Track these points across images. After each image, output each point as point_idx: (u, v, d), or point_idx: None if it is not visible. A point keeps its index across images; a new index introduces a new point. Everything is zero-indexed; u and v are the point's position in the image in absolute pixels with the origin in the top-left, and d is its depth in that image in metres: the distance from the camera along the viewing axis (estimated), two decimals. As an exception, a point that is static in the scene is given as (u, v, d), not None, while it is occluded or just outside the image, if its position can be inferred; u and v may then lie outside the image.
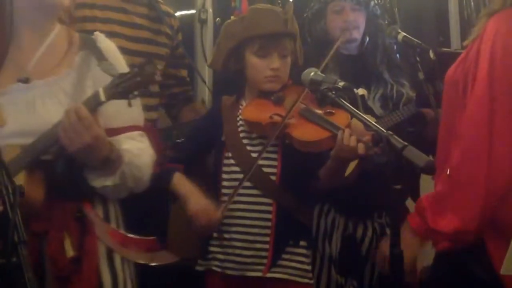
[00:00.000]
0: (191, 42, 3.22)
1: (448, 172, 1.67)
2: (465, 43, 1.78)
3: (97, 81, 1.71)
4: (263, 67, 2.18)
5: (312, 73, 1.99)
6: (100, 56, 1.73)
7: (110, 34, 2.39)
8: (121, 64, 1.79)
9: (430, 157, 1.58)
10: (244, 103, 2.26)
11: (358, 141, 1.95)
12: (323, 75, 1.98)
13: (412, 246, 1.75)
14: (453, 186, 1.66)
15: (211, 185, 2.22)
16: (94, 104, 1.60)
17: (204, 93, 3.10)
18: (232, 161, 2.18)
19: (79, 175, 1.68)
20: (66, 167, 1.65)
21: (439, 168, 1.72)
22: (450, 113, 1.77)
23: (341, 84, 1.88)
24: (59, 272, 1.62)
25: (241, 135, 2.20)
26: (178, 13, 2.95)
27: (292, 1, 3.05)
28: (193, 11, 3.30)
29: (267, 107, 2.17)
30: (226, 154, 2.20)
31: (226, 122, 2.25)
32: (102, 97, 1.59)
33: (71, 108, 1.59)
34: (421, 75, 2.31)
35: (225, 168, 2.20)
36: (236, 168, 2.17)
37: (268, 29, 2.16)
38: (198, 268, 2.22)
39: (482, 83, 1.63)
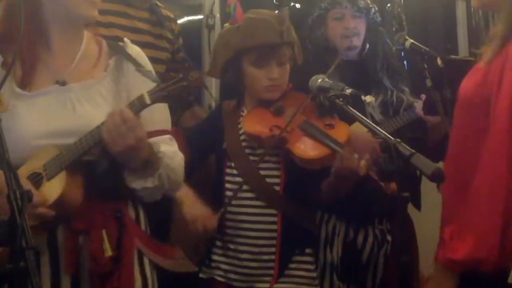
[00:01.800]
0: (199, 47, 3.23)
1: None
2: (483, 62, 1.69)
3: (131, 85, 1.77)
4: (262, 77, 2.16)
5: (319, 80, 1.99)
6: (134, 62, 1.77)
7: (112, 39, 2.41)
8: (152, 70, 1.82)
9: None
10: (244, 110, 2.25)
11: (359, 160, 1.95)
12: (331, 81, 1.98)
13: (440, 284, 1.67)
14: (471, 214, 1.62)
15: (214, 193, 2.22)
16: (139, 107, 1.63)
17: (211, 98, 3.10)
18: (235, 171, 2.17)
19: (119, 176, 1.72)
20: (107, 168, 1.69)
21: (447, 181, 1.70)
22: (467, 133, 1.70)
23: (348, 91, 1.88)
24: (101, 269, 1.66)
25: (243, 144, 2.19)
26: (185, 19, 2.96)
27: (299, 7, 3.07)
28: (200, 17, 3.30)
29: (267, 118, 2.16)
30: (229, 164, 2.19)
31: (228, 130, 2.24)
32: (148, 100, 1.62)
33: (115, 110, 1.62)
34: (428, 82, 2.30)
35: (228, 178, 2.19)
36: (239, 179, 2.16)
37: (264, 40, 2.14)
38: (202, 275, 2.22)
39: (504, 113, 1.57)
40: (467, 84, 1.73)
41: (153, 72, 1.75)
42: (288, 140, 2.08)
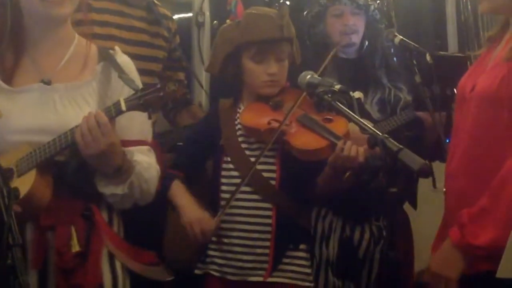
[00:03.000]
0: (189, 45, 3.22)
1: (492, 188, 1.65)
2: (502, 59, 1.70)
3: (115, 93, 1.77)
4: (260, 72, 2.17)
5: (308, 76, 2.00)
6: (120, 70, 1.78)
7: (108, 37, 2.40)
8: (137, 80, 1.82)
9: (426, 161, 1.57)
10: (242, 107, 2.26)
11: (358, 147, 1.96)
12: (320, 78, 1.98)
13: (454, 264, 1.69)
14: (497, 202, 1.63)
15: (210, 189, 2.22)
16: (114, 113, 1.65)
17: (201, 96, 3.10)
18: (231, 166, 2.18)
19: (90, 179, 1.72)
20: (77, 170, 1.70)
21: (457, 178, 1.71)
22: (488, 129, 1.72)
23: (337, 87, 1.88)
24: (64, 265, 1.67)
25: (240, 139, 2.20)
26: (175, 16, 2.94)
27: (289, 4, 3.07)
28: (190, 14, 3.30)
29: (265, 112, 2.17)
30: (225, 158, 2.20)
31: (224, 125, 2.24)
32: (123, 107, 1.63)
33: (91, 113, 1.64)
34: (417, 79, 2.31)
35: (223, 173, 2.19)
36: (235, 173, 2.17)
37: (264, 35, 2.15)
38: (197, 271, 2.22)
39: None
40: (488, 83, 1.73)
41: (135, 81, 1.76)
42: (286, 132, 2.09)
